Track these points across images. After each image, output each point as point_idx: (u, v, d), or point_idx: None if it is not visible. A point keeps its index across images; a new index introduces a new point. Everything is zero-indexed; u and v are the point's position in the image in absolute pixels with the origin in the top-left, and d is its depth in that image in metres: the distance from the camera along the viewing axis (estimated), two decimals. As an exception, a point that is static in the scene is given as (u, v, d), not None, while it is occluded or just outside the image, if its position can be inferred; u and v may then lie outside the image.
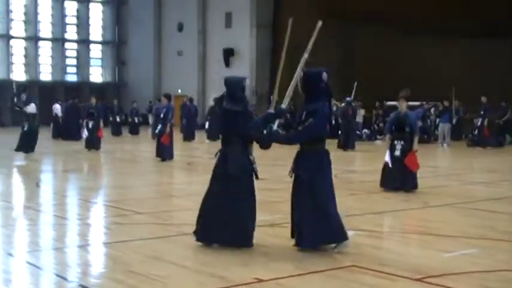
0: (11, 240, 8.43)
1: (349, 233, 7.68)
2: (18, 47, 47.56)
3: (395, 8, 33.34)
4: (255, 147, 7.90)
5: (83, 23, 49.95)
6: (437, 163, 21.77)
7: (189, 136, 29.60)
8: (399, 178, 12.75)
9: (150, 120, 36.11)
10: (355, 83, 26.19)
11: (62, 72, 49.17)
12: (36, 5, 47.46)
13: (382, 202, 11.71)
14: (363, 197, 12.15)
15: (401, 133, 12.88)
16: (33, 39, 47.55)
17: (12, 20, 47.01)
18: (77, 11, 49.86)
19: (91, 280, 6.54)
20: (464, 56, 33.23)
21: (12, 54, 47.18)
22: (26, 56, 47.70)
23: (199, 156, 23.33)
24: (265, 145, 7.82)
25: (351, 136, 24.82)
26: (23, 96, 21.11)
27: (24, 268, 7.06)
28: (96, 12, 50.94)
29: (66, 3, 49.16)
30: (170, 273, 6.67)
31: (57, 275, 6.66)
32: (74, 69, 50.26)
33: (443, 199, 12.09)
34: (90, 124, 23.43)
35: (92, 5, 50.56)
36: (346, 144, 23.99)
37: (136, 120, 35.30)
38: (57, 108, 32.46)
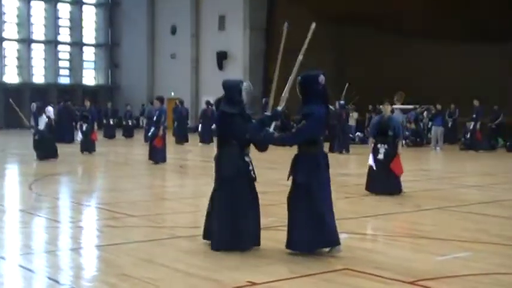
0: (3, 244, 8.39)
1: (342, 236, 7.69)
2: (11, 49, 47.50)
3: (387, 10, 33.40)
4: (252, 149, 7.92)
5: (75, 26, 49.91)
6: (430, 166, 21.82)
7: (181, 139, 29.57)
8: (383, 181, 12.79)
9: (142, 123, 36.10)
10: (346, 84, 26.22)
11: (55, 74, 49.10)
12: (29, 7, 47.42)
13: (375, 205, 11.72)
14: (356, 200, 12.15)
15: (385, 137, 12.95)
16: (26, 41, 47.49)
17: (4, 22, 46.97)
18: (70, 13, 49.83)
19: (83, 283, 6.52)
20: (457, 59, 33.26)
21: (4, 57, 47.11)
22: (18, 59, 47.63)
23: (192, 159, 23.32)
24: (262, 148, 7.85)
25: (345, 139, 24.86)
26: (33, 106, 20.93)
27: (16, 271, 7.04)
28: (89, 15, 50.91)
29: (59, 6, 49.12)
30: (163, 276, 6.65)
31: (50, 278, 6.64)
32: (67, 72, 50.20)
33: (436, 202, 12.10)
34: (84, 127, 23.41)
35: (85, 8, 50.53)
36: (338, 147, 24.05)
37: (130, 123, 35.24)
38: (49, 110, 32.34)
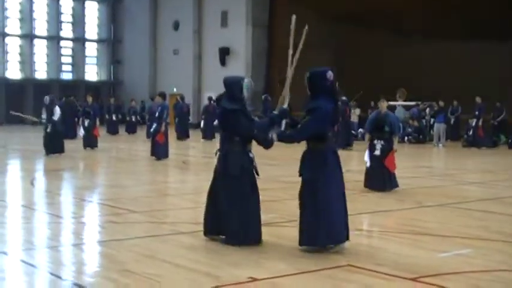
0: (5, 239, 8.41)
1: (344, 245, 7.68)
2: (13, 45, 47.47)
3: (388, 10, 33.37)
4: (254, 145, 7.97)
5: (78, 21, 49.88)
6: (432, 163, 21.81)
7: (182, 135, 29.57)
8: (380, 178, 12.85)
9: (141, 119, 36.05)
10: (361, 92, 26.50)
11: (57, 70, 49.09)
12: (31, 2, 47.39)
13: (377, 202, 11.73)
14: (357, 196, 12.15)
15: (381, 133, 13.01)
16: (28, 37, 47.47)
17: (7, 17, 46.92)
18: (73, 9, 49.79)
19: (85, 279, 6.53)
20: (458, 57, 33.25)
21: (7, 52, 47.09)
22: (21, 54, 47.61)
23: (194, 155, 23.34)
24: (269, 147, 7.90)
25: (348, 135, 24.86)
26: (46, 99, 20.98)
27: (18, 267, 7.05)
28: (92, 11, 50.88)
29: (61, 1, 49.07)
30: (164, 272, 6.67)
31: (52, 274, 6.66)
32: (69, 68, 50.19)
33: (438, 199, 12.11)
34: (86, 123, 23.45)
35: (87, 3, 50.48)
36: (341, 143, 24.04)
37: (133, 119, 35.20)
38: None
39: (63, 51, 49.74)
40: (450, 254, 7.63)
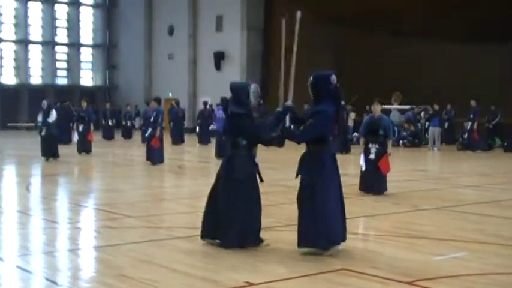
0: (1, 245, 8.39)
1: (336, 248, 7.67)
2: (8, 50, 47.41)
3: (387, 11, 33.40)
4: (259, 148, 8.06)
5: (73, 26, 49.84)
6: (428, 167, 21.83)
7: (178, 140, 29.54)
8: (375, 181, 12.89)
9: (137, 123, 35.99)
10: (356, 95, 26.48)
11: (52, 75, 49.03)
12: (26, 8, 47.35)
13: (372, 205, 11.73)
14: (353, 200, 12.16)
15: (376, 136, 13.04)
16: (23, 42, 47.41)
17: (2, 23, 46.87)
18: (67, 14, 49.77)
19: (81, 284, 6.53)
20: (455, 59, 33.30)
21: (2, 58, 47.02)
22: (16, 59, 47.55)
23: (190, 160, 23.33)
24: (281, 143, 7.98)
25: (345, 139, 24.86)
26: (44, 104, 21.01)
27: (14, 272, 7.04)
28: (87, 16, 50.86)
29: (56, 7, 49.05)
30: (161, 277, 6.66)
31: (47, 279, 6.64)
32: (64, 73, 50.14)
33: (434, 202, 12.12)
34: (81, 128, 23.44)
35: (82, 9, 50.47)
36: (338, 147, 24.03)
37: (129, 124, 35.11)
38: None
39: (58, 56, 49.69)
40: (446, 257, 7.63)
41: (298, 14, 7.93)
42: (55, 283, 6.53)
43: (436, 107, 28.98)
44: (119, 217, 10.27)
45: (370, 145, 13.05)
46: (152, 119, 19.35)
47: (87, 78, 51.28)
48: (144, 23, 47.74)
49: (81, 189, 14.44)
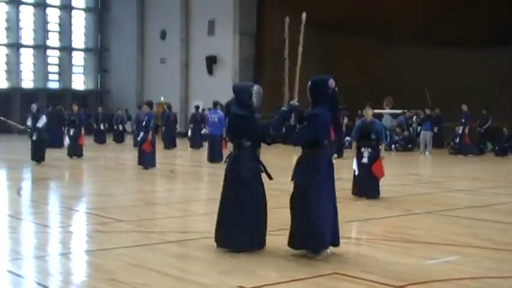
0: (-8, 249, 8.35)
1: (328, 251, 7.66)
2: (-1, 54, 47.32)
3: (376, 17, 33.51)
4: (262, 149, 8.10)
5: (65, 30, 49.76)
6: (420, 171, 21.88)
7: (169, 144, 29.50)
8: (369, 185, 12.91)
9: (128, 127, 35.92)
10: (342, 96, 26.36)
11: (44, 79, 48.93)
12: (18, 11, 47.24)
13: (365, 210, 11.74)
14: (346, 204, 12.16)
15: (368, 141, 13.06)
16: (14, 46, 47.29)
17: (-7, 27, 46.78)
18: (59, 18, 49.67)
19: (73, 288, 6.50)
20: (446, 64, 33.46)
21: (-7, 61, 46.91)
22: (7, 63, 47.43)
23: (182, 164, 23.30)
24: (285, 140, 7.98)
25: (339, 143, 24.89)
26: (33, 107, 20.94)
27: (5, 277, 6.99)
28: (79, 20, 50.77)
29: (48, 10, 48.96)
30: (153, 281, 6.63)
31: (39, 284, 6.61)
32: (56, 77, 50.04)
33: (426, 207, 12.13)
34: (72, 132, 23.38)
35: (74, 12, 50.38)
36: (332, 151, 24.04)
37: (121, 128, 35.03)
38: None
39: (49, 60, 49.58)
40: (438, 261, 7.64)
41: (303, 15, 7.98)
42: (46, 287, 6.49)
43: (427, 111, 29.10)
44: (110, 221, 10.23)
45: (362, 149, 13.07)
46: (144, 123, 19.32)
47: (79, 82, 51.19)
48: (136, 27, 47.71)
49: (73, 193, 14.39)
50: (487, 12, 31.49)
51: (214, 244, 8.05)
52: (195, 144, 29.45)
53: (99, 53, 51.36)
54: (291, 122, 7.82)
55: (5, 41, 47.21)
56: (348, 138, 31.75)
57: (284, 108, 7.90)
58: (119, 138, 34.53)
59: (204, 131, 28.10)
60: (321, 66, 33.82)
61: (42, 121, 20.57)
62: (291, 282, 6.66)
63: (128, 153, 25.89)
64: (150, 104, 20.28)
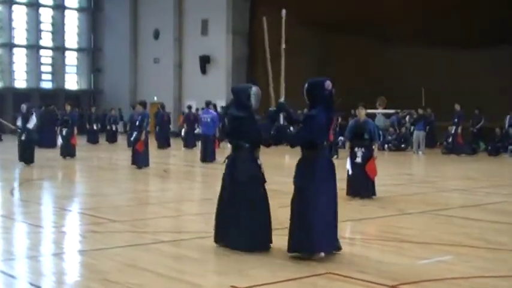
0: (-15, 249, 8.33)
1: (320, 255, 7.66)
2: (-8, 54, 47.16)
3: (376, 17, 33.53)
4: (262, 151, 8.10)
5: (58, 30, 49.61)
6: (413, 170, 21.92)
7: (163, 143, 29.47)
8: (363, 185, 12.93)
9: (120, 127, 35.83)
10: (339, 99, 26.43)
11: (37, 79, 48.80)
12: (10, 11, 47.08)
13: (358, 209, 11.75)
14: (340, 204, 12.12)
15: (361, 140, 13.08)
16: (7, 46, 47.12)
17: (-14, 27, 46.63)
18: (52, 17, 49.53)
19: (66, 289, 6.49)
20: (445, 64, 33.50)
21: (-14, 61, 46.76)
22: (0, 63, 47.26)
23: (175, 163, 23.28)
24: (276, 142, 8.01)
25: (334, 143, 24.94)
26: (23, 108, 20.83)
27: (-2, 277, 6.99)
28: (72, 19, 50.64)
29: (41, 10, 48.81)
30: (146, 281, 6.63)
31: (32, 284, 6.60)
32: (49, 76, 49.91)
33: (419, 206, 12.16)
34: (64, 131, 23.33)
35: (67, 12, 50.24)
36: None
37: (114, 128, 34.95)
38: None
39: (43, 60, 49.42)
40: (431, 260, 7.66)
41: (283, 12, 8.00)
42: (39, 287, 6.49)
43: (420, 111, 29.16)
44: (103, 221, 10.22)
45: (356, 149, 13.09)
46: (137, 123, 19.31)
47: (72, 82, 51.07)
48: (129, 27, 47.64)
49: (66, 193, 14.37)
50: (487, 12, 31.52)
51: (215, 244, 8.07)
52: (189, 144, 29.44)
53: (92, 52, 51.25)
54: (281, 122, 7.82)
55: (-2, 41, 47.08)
56: (341, 138, 31.87)
57: (272, 108, 7.90)
58: (112, 138, 34.44)
59: (197, 130, 28.07)
60: (320, 67, 33.90)
61: (32, 122, 20.45)
62: (284, 282, 6.67)
63: (121, 153, 25.85)
64: (143, 104, 20.27)
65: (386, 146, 29.78)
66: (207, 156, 21.73)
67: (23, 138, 20.10)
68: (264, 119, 8.10)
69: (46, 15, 49.26)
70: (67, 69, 50.74)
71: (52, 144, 27.48)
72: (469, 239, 8.99)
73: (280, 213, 8.85)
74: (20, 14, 47.78)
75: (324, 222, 7.59)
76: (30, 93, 45.73)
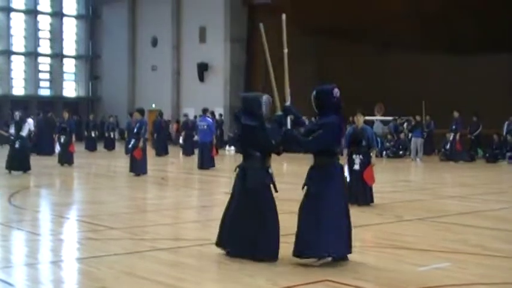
0: (-18, 257, 8.32)
1: (328, 259, 7.67)
2: (-10, 62, 47.17)
3: (368, 23, 33.59)
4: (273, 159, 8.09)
5: (56, 37, 49.69)
6: (411, 177, 21.92)
7: (161, 151, 29.48)
8: (361, 192, 12.93)
9: (116, 135, 35.82)
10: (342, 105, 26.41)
11: (35, 86, 48.83)
12: (9, 19, 47.18)
13: (356, 216, 11.70)
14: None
15: (359, 147, 13.08)
16: (5, 53, 47.20)
17: (-16, 34, 46.66)
18: (50, 25, 49.61)
19: (64, 296, 6.47)
20: (436, 71, 33.56)
21: (-15, 69, 46.77)
22: (-2, 71, 47.32)
23: (173, 171, 23.27)
24: (287, 148, 7.98)
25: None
26: (16, 115, 20.79)
27: (-5, 285, 6.97)
28: (70, 27, 50.73)
29: (39, 17, 48.90)
30: (144, 289, 6.62)
31: (29, 292, 6.59)
32: (47, 84, 49.94)
33: (417, 213, 12.16)
34: (62, 139, 23.32)
35: (65, 19, 50.33)
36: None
37: (112, 135, 34.96)
38: (29, 122, 32.10)
39: (41, 67, 49.49)
40: (429, 267, 7.65)
41: (283, 16, 8.05)
42: (37, 296, 6.48)
43: (418, 118, 29.22)
44: (101, 229, 10.21)
45: (354, 156, 13.10)
46: (135, 130, 19.33)
47: (70, 90, 51.12)
48: (127, 34, 47.71)
49: (64, 200, 14.35)
50: (485, 20, 31.59)
51: (215, 247, 8.07)
52: (187, 151, 29.45)
53: (91, 60, 51.31)
54: (288, 126, 7.83)
55: (-4, 49, 47.11)
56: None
57: (279, 113, 7.92)
58: (110, 145, 34.46)
59: (195, 138, 28.11)
60: (318, 74, 33.94)
61: (26, 129, 20.41)
62: (282, 289, 6.66)
63: (119, 161, 25.85)
64: (141, 111, 20.28)
65: (384, 152, 29.82)
66: (204, 163, 21.75)
67: (16, 146, 20.00)
68: (271, 123, 8.06)
69: (44, 23, 49.34)
70: (65, 76, 50.82)
71: (50, 152, 27.48)
72: (467, 246, 8.99)
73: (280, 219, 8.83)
74: (18, 22, 47.88)
75: (338, 227, 7.65)
76: (28, 101, 45.75)
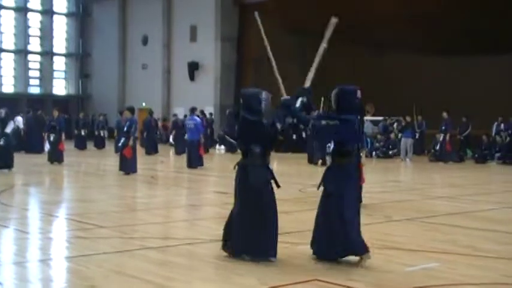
0: (-29, 255, 8.28)
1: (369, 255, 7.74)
2: (-20, 59, 47.02)
3: (360, 24, 33.61)
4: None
5: (46, 35, 49.55)
6: (400, 178, 21.97)
7: (150, 150, 29.46)
8: None
9: (105, 133, 35.76)
10: (322, 98, 26.35)
11: (25, 84, 48.66)
12: (-2, 16, 47.03)
13: (346, 216, 11.74)
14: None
15: None
16: (-5, 50, 47.06)
17: (-26, 31, 46.50)
18: (41, 22, 49.46)
19: (52, 295, 6.45)
20: (427, 72, 33.66)
21: (-26, 66, 46.61)
22: (-12, 68, 47.17)
23: (163, 169, 23.24)
24: (301, 123, 7.93)
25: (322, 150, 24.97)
26: (1, 113, 20.67)
27: (-17, 283, 6.94)
28: (60, 25, 50.59)
29: (29, 15, 48.74)
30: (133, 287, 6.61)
31: (18, 290, 6.57)
32: (37, 82, 49.79)
33: (406, 213, 12.18)
34: (52, 137, 23.25)
35: (55, 17, 50.19)
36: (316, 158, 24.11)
37: (102, 134, 34.88)
38: (18, 120, 32.05)
39: (31, 65, 49.34)
40: (418, 268, 7.66)
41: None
42: (25, 294, 6.46)
43: (408, 118, 29.30)
44: (91, 227, 10.18)
45: None
46: (125, 128, 19.29)
47: (60, 88, 50.98)
48: (118, 33, 47.62)
49: (53, 199, 14.31)
50: (477, 22, 31.70)
51: (215, 250, 8.06)
52: (177, 150, 29.45)
53: (81, 58, 51.19)
54: (297, 104, 7.83)
55: (-14, 46, 46.95)
56: (329, 144, 31.89)
57: (286, 97, 7.95)
58: (100, 144, 34.38)
59: (186, 136, 28.11)
60: (300, 72, 33.86)
61: (10, 127, 20.33)
62: (271, 289, 6.67)
63: (109, 159, 25.80)
64: (131, 110, 20.25)
65: (374, 153, 29.87)
66: (193, 162, 21.74)
67: (1, 143, 19.88)
68: (277, 107, 8.01)
69: (34, 20, 49.18)
70: (55, 74, 50.69)
71: (39, 150, 27.38)
72: (456, 247, 9.01)
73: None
74: (8, 19, 47.71)
75: (358, 225, 7.79)
76: (17, 98, 45.61)
